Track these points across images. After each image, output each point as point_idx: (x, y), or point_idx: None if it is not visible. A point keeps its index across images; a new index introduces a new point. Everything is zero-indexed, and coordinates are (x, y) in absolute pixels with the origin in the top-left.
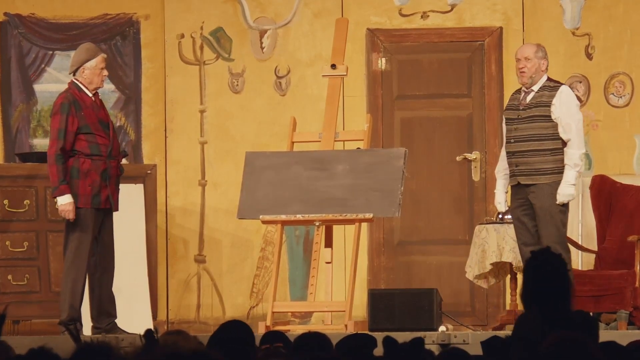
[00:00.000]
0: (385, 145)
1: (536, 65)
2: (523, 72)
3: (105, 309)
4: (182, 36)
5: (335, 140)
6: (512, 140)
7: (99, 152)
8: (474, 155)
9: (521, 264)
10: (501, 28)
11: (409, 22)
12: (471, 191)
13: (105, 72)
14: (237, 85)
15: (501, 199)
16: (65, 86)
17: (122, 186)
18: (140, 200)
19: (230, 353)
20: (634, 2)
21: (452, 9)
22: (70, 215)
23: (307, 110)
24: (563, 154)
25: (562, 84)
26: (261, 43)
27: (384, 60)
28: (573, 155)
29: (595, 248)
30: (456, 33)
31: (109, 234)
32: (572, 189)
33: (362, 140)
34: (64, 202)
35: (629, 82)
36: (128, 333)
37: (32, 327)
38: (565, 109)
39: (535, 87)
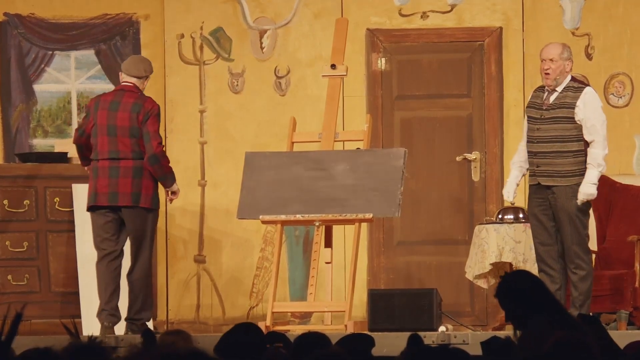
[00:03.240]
0: (385, 145)
1: (561, 67)
2: (547, 73)
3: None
4: (182, 36)
5: (335, 141)
6: (534, 141)
7: None
8: (473, 155)
9: (521, 264)
10: (501, 28)
11: (409, 22)
12: (471, 191)
13: None
14: (237, 85)
15: (510, 188)
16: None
17: None
18: None
19: (240, 355)
20: (634, 2)
21: (452, 9)
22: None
23: (307, 110)
24: (585, 156)
25: (586, 84)
26: (261, 43)
27: (383, 60)
28: (597, 156)
29: (595, 248)
30: (456, 33)
31: None
32: (594, 188)
33: (362, 140)
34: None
35: (629, 82)
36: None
37: (31, 327)
38: (590, 111)
39: (559, 88)
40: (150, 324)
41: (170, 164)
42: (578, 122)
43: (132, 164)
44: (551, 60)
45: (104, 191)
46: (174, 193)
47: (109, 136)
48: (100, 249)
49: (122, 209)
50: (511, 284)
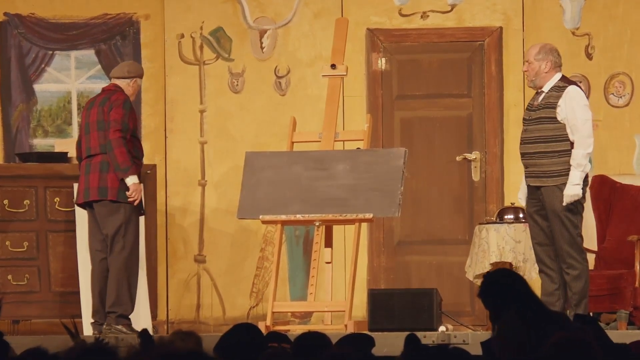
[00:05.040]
0: (385, 145)
1: (536, 68)
2: (526, 74)
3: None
4: (182, 36)
5: (335, 140)
6: (522, 142)
7: (139, 156)
8: (474, 155)
9: (521, 264)
10: (501, 28)
11: (409, 22)
12: (471, 191)
13: None
14: (237, 85)
15: (522, 194)
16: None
17: None
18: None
19: (239, 355)
20: (634, 2)
21: (452, 9)
22: (139, 196)
23: (307, 110)
24: (570, 156)
25: (572, 83)
26: (261, 43)
27: (383, 60)
28: (576, 155)
29: (595, 248)
30: (456, 33)
31: None
32: (577, 189)
33: (362, 140)
34: (136, 181)
35: (629, 82)
36: (127, 332)
37: (31, 327)
38: (570, 110)
39: (546, 88)
40: (149, 325)
41: (126, 154)
42: (561, 121)
43: (100, 159)
44: (527, 61)
45: (81, 188)
46: (131, 189)
47: (85, 135)
48: (89, 248)
49: (93, 204)
50: (492, 283)
